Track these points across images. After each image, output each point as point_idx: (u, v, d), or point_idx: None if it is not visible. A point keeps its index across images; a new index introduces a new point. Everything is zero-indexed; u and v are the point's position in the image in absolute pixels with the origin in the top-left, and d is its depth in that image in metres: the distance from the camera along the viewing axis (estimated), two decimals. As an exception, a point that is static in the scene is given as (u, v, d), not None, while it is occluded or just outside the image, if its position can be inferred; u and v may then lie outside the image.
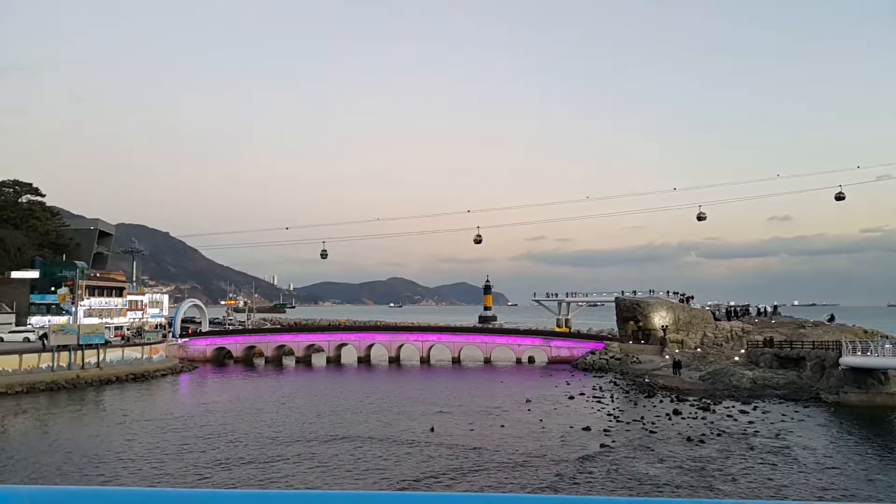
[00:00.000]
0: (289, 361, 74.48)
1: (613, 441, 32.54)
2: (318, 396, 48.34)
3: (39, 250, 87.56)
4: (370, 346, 75.65)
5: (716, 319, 72.20)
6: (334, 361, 73.48)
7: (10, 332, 63.03)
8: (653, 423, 36.64)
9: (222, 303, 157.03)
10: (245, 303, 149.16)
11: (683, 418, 38.24)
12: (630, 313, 70.62)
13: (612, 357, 64.90)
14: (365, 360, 73.43)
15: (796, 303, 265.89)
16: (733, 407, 41.62)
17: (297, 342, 76.70)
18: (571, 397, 46.60)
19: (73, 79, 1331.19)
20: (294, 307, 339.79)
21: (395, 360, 72.82)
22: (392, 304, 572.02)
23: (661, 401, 44.38)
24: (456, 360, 71.82)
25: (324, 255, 75.13)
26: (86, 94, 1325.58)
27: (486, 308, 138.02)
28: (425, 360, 72.20)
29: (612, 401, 45.58)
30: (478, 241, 73.34)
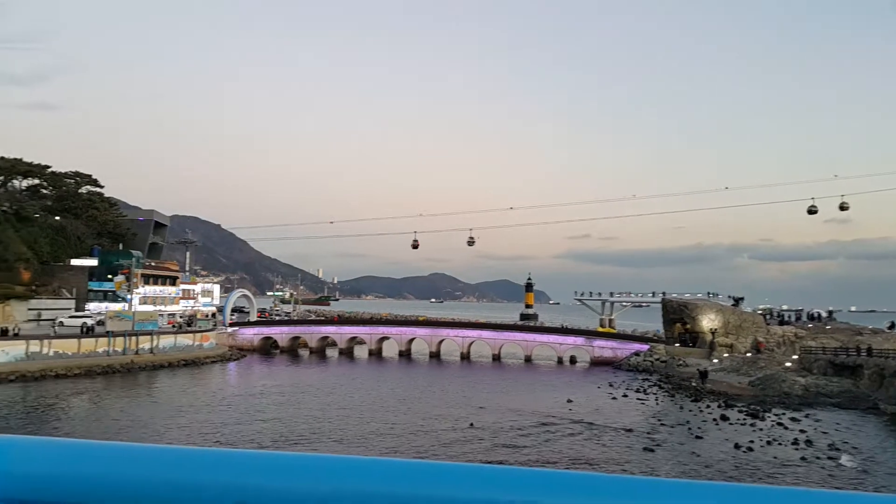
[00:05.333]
0: (332, 353, 75.53)
1: (657, 444, 32.14)
2: (360, 389, 48.94)
3: (98, 239, 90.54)
4: (411, 341, 76.15)
5: (766, 324, 70.43)
6: (376, 354, 74.24)
7: (69, 318, 65.40)
8: (699, 428, 36.03)
9: (269, 293, 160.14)
10: (291, 294, 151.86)
11: (731, 424, 37.49)
12: (677, 315, 69.41)
13: (657, 359, 63.90)
14: (405, 354, 73.97)
15: (853, 308, 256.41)
16: (784, 414, 40.58)
17: (341, 334, 77.72)
18: (614, 398, 46.14)
19: (132, 75, 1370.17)
20: (338, 300, 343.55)
21: (435, 355, 73.15)
22: (433, 300, 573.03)
23: (709, 405, 43.55)
24: (496, 358, 71.74)
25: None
26: (142, 91, 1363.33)
27: (528, 306, 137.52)
28: (465, 357, 72.32)
29: (657, 403, 44.97)
30: (415, 246, 71.76)
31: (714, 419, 38.79)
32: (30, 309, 66.66)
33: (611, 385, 52.92)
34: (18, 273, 70.49)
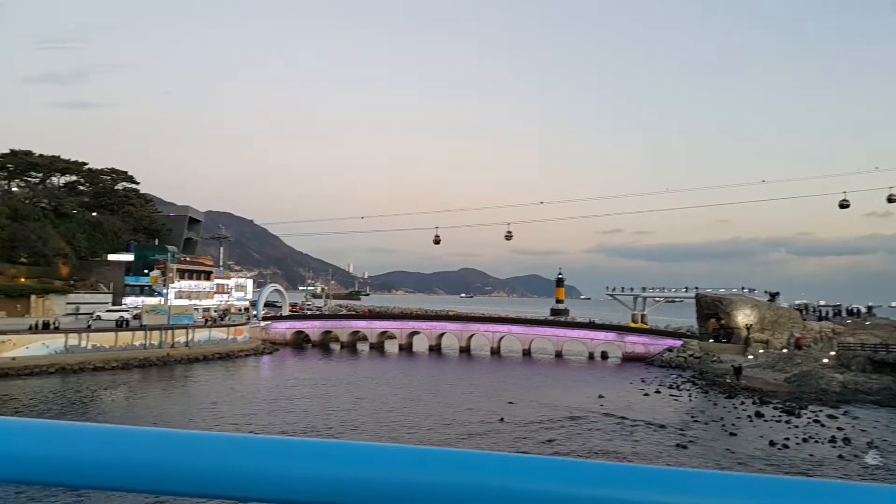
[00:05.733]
0: (363, 347, 76.04)
1: (690, 441, 31.73)
2: (391, 383, 49.19)
3: (134, 235, 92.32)
4: (441, 335, 76.29)
5: (803, 319, 69.01)
6: (406, 349, 74.53)
7: (107, 312, 66.82)
8: (733, 425, 35.51)
9: (301, 288, 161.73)
10: (322, 289, 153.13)
11: (766, 421, 36.84)
12: (711, 310, 68.38)
13: (690, 355, 63.05)
14: (436, 349, 74.13)
15: (894, 304, 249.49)
16: (820, 411, 39.71)
17: (371, 329, 78.20)
18: (647, 395, 45.64)
19: (163, 74, 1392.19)
20: (368, 295, 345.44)
21: (465, 350, 73.18)
22: (463, 295, 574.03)
23: (743, 402, 42.84)
24: (526, 353, 71.49)
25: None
26: (179, 89, 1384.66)
27: (558, 301, 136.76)
28: (496, 351, 72.23)
29: (690, 400, 44.41)
30: (436, 241, 70.45)
31: (749, 416, 38.16)
32: (68, 303, 68.29)
33: (643, 381, 52.39)
34: (57, 268, 72.24)
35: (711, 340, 66.03)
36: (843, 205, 59.19)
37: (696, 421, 36.78)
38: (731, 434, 33.42)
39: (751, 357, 58.54)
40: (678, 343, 67.36)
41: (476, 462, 0.91)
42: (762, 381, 50.06)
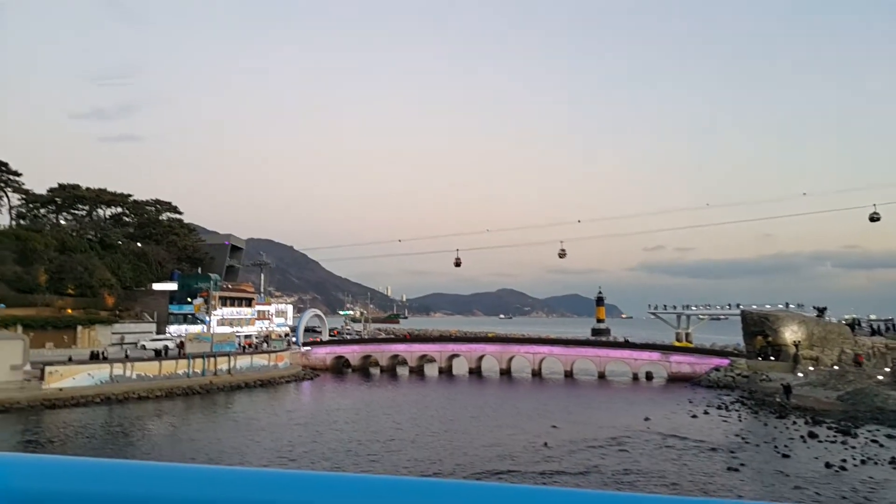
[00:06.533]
0: (402, 371, 75.86)
1: (742, 464, 30.68)
2: (431, 407, 48.86)
3: (178, 264, 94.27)
4: (481, 358, 75.70)
5: (854, 334, 66.60)
6: (446, 372, 74.09)
7: (151, 340, 68.06)
8: (785, 446, 34.26)
9: (340, 312, 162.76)
10: (361, 313, 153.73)
11: (820, 441, 35.48)
12: (758, 327, 66.56)
13: (738, 374, 61.31)
14: (476, 372, 73.53)
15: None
16: (878, 431, 38.13)
17: (411, 352, 78.02)
18: (695, 416, 44.39)
19: (204, 107, 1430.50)
20: (406, 318, 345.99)
21: (505, 372, 72.43)
22: (502, 316, 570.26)
23: (795, 422, 41.39)
24: (568, 374, 70.38)
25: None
26: (220, 121, 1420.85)
27: (599, 320, 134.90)
28: (537, 373, 71.32)
29: (740, 420, 43.06)
30: (457, 263, 73.51)
31: (801, 436, 36.83)
32: (113, 333, 69.72)
33: (690, 402, 51.05)
34: (103, 298, 74.01)
35: (759, 358, 64.19)
36: (874, 218, 57.41)
37: (746, 442, 35.61)
38: (784, 456, 32.23)
39: (800, 375, 56.64)
40: (725, 362, 65.62)
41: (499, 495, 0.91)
42: (814, 399, 48.31)
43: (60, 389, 46.68)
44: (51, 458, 0.98)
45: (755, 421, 43.00)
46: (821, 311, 74.76)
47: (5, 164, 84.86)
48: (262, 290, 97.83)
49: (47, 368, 47.35)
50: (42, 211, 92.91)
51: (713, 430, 39.53)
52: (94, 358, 53.11)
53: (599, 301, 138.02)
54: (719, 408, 47.88)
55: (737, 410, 46.94)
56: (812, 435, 36.91)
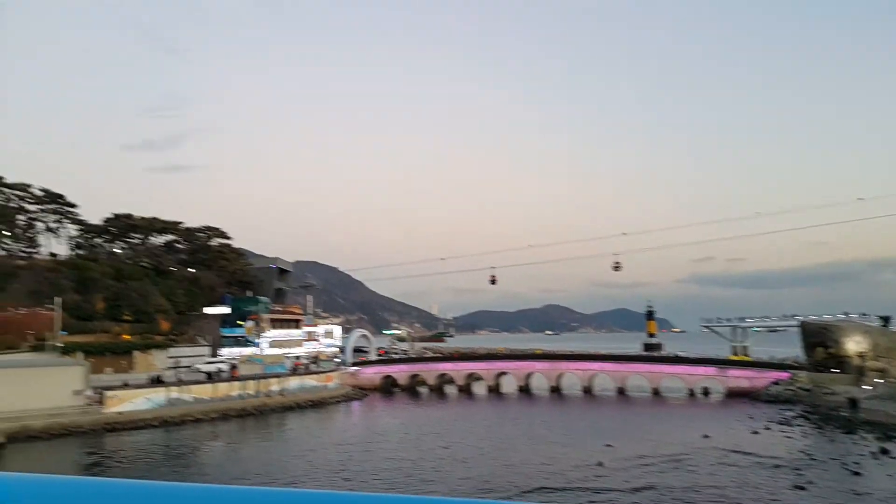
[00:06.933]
0: (450, 390, 75.47)
1: (809, 482, 29.41)
2: (481, 426, 48.35)
3: (228, 288, 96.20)
4: (529, 375, 74.80)
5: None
6: (494, 390, 73.40)
7: (205, 364, 69.30)
8: (855, 463, 32.74)
9: (386, 332, 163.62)
10: (407, 332, 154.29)
11: (893, 458, 33.81)
12: (818, 339, 64.18)
13: (799, 388, 59.14)
14: (525, 390, 72.63)
15: None
16: (956, 446, 36.17)
17: (458, 371, 77.63)
18: (755, 432, 42.86)
19: (251, 135, 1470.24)
20: (453, 336, 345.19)
21: (555, 390, 71.35)
22: (548, 332, 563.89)
23: (864, 437, 39.62)
24: (621, 391, 68.94)
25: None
26: (263, 147, 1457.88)
27: (650, 335, 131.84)
28: (587, 390, 70.05)
29: (804, 436, 41.43)
30: (492, 281, 74.49)
31: (872, 453, 35.21)
32: (169, 357, 71.29)
33: (750, 417, 49.38)
34: (158, 323, 75.94)
35: (820, 371, 61.81)
36: None
37: (812, 459, 34.18)
38: (855, 473, 30.81)
39: (867, 387, 54.27)
40: (785, 375, 63.38)
41: None
42: (884, 413, 46.13)
43: (120, 413, 47.80)
44: (55, 479, 0.97)
45: (820, 437, 41.32)
46: (886, 321, 71.76)
47: (62, 197, 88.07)
48: (309, 311, 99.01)
49: (107, 393, 48.58)
50: (98, 240, 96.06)
51: (776, 446, 38.07)
52: (159, 382, 54.31)
53: (649, 315, 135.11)
54: (781, 423, 46.20)
55: (800, 426, 45.23)
56: (884, 451, 35.24)
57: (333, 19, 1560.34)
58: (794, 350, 79.27)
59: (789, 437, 40.87)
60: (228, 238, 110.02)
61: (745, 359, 78.82)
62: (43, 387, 45.53)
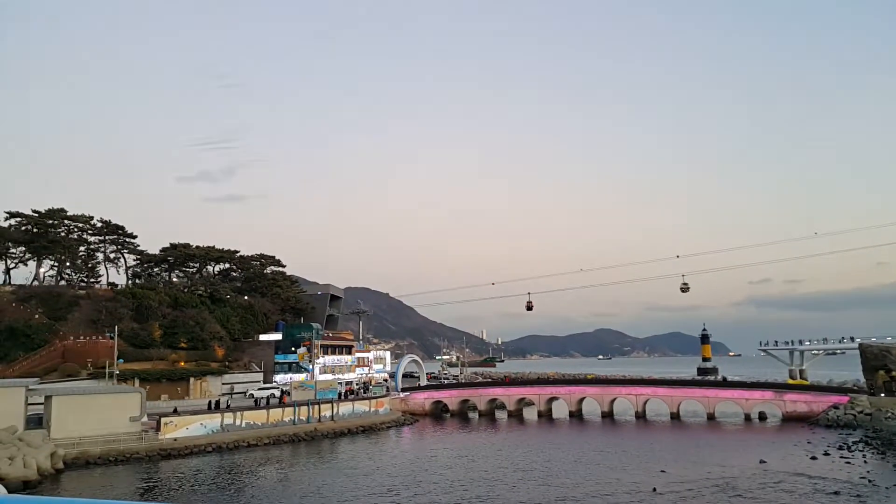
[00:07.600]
0: (501, 415, 75.16)
1: (872, 510, 28.44)
2: (532, 451, 48.11)
3: (282, 315, 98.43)
4: (581, 400, 73.99)
5: None
6: (545, 415, 72.79)
7: (259, 389, 70.86)
8: (922, 491, 31.48)
9: (436, 357, 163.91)
10: (457, 357, 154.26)
11: (961, 485, 32.39)
12: (879, 361, 61.89)
13: (860, 412, 57.05)
14: (576, 415, 71.85)
15: None
16: None
17: (509, 396, 77.31)
18: (814, 457, 41.56)
19: (302, 165, 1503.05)
20: (503, 361, 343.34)
21: (608, 415, 70.36)
22: (600, 357, 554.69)
23: (930, 464, 37.99)
24: (675, 416, 67.56)
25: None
26: (317, 176, 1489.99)
27: (705, 359, 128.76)
28: (640, 415, 68.86)
29: (865, 462, 39.93)
30: (529, 307, 74.74)
31: (940, 480, 33.72)
32: (224, 383, 73.19)
33: (809, 443, 47.90)
34: (213, 350, 78.09)
35: (883, 394, 59.53)
36: None
37: (875, 485, 32.99)
38: (920, 501, 29.63)
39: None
40: (844, 399, 61.22)
41: None
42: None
43: (175, 440, 49.20)
44: (52, 501, 1.02)
45: (883, 462, 39.79)
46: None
47: (122, 228, 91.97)
48: (360, 337, 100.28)
49: (163, 419, 50.12)
50: (155, 269, 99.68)
51: (836, 472, 36.86)
52: (217, 407, 55.82)
53: (704, 338, 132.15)
54: (841, 448, 44.68)
55: (861, 451, 43.63)
56: (951, 478, 33.76)
57: (393, 49, 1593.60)
58: (853, 373, 76.50)
59: (849, 463, 39.49)
60: (282, 266, 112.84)
61: (803, 382, 76.43)
62: (101, 413, 46.93)
